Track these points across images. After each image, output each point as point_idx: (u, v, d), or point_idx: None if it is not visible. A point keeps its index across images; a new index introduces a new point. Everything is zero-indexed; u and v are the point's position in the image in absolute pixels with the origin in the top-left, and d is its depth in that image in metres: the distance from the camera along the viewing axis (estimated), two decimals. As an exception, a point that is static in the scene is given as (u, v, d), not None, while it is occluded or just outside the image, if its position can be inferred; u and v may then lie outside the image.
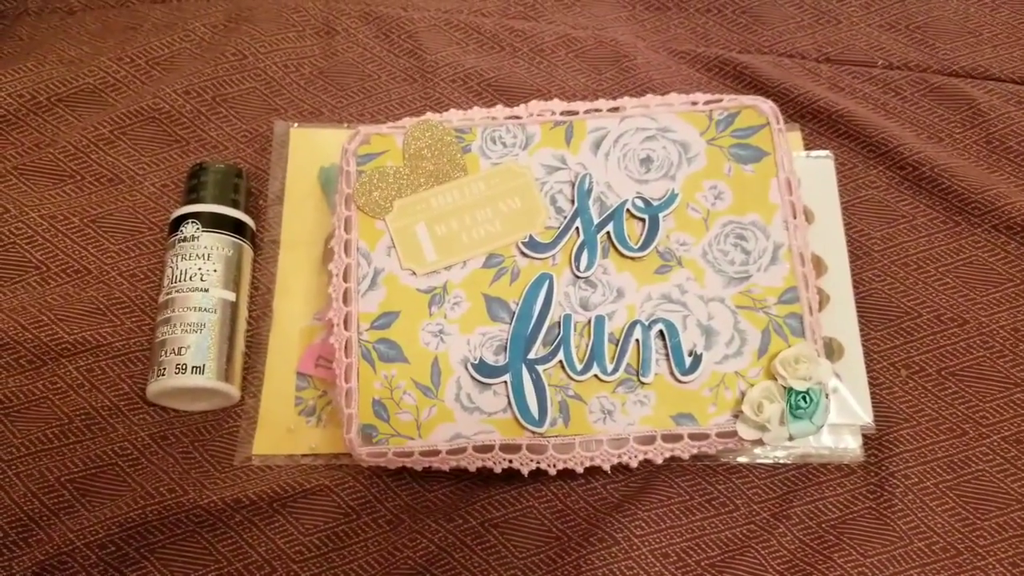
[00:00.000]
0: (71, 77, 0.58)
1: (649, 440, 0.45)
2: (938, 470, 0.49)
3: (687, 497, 0.48)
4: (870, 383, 0.51)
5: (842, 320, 0.51)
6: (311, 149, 0.56)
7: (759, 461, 0.49)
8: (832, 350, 0.50)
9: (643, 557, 0.47)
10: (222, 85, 0.59)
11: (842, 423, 0.49)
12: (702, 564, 0.47)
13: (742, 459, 0.49)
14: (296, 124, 0.57)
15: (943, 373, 0.51)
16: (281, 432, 0.49)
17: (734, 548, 0.47)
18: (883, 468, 0.49)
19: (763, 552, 0.47)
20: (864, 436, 0.49)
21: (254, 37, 0.60)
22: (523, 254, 0.48)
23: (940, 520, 0.48)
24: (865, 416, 0.49)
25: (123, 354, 0.51)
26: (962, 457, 0.49)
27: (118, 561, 0.46)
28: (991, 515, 0.48)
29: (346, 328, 0.46)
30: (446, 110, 0.57)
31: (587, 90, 0.60)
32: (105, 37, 0.61)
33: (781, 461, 0.49)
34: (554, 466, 0.45)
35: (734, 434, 0.45)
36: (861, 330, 0.52)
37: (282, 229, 0.54)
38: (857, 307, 0.52)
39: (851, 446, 0.49)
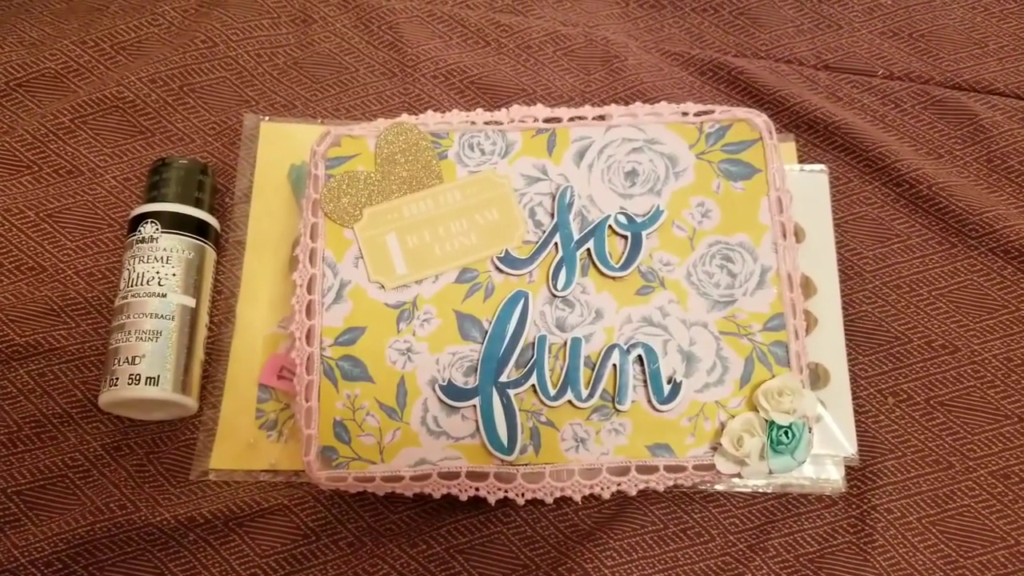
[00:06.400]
0: (31, 61, 0.55)
1: (623, 471, 0.43)
2: (922, 504, 0.47)
3: (661, 526, 0.47)
4: (855, 411, 0.49)
5: (829, 344, 0.49)
6: (282, 145, 0.53)
7: (737, 490, 0.47)
8: (817, 376, 0.48)
9: (613, 589, 0.45)
10: (190, 74, 0.56)
11: (825, 454, 0.47)
12: (674, 598, 0.45)
13: (720, 487, 0.47)
14: (267, 118, 0.54)
15: (932, 402, 0.49)
16: (240, 446, 0.47)
17: (708, 581, 0.45)
18: (865, 500, 0.47)
19: (738, 586, 0.45)
20: (847, 467, 0.48)
21: (226, 23, 0.57)
22: (498, 270, 0.46)
23: (922, 557, 0.46)
24: (849, 447, 0.47)
25: (77, 358, 0.48)
26: (947, 491, 0.48)
27: (64, 579, 0.44)
28: (975, 553, 0.46)
29: (308, 343, 0.44)
30: (425, 109, 0.55)
31: (574, 91, 0.57)
32: (69, 18, 0.58)
33: (760, 490, 0.47)
34: (523, 495, 0.43)
35: (712, 467, 0.43)
36: (848, 355, 0.50)
37: (249, 230, 0.51)
38: (845, 331, 0.50)
39: (833, 477, 0.47)
